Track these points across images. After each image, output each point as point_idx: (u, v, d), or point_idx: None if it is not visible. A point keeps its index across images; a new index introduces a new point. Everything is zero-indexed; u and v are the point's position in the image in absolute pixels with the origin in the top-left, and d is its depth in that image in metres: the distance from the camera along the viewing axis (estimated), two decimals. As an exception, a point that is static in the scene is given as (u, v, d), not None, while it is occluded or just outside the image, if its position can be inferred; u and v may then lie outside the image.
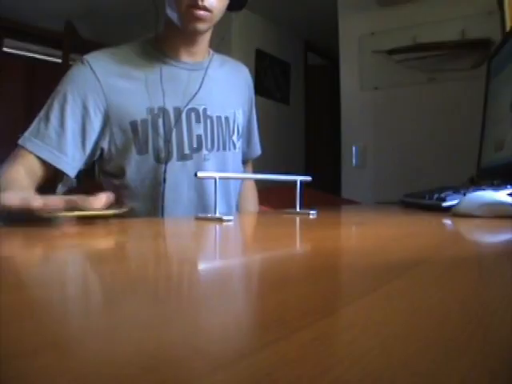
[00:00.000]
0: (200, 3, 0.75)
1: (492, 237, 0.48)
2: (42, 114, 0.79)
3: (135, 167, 0.83)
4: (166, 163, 0.83)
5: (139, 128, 0.81)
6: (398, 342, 0.13)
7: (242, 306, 0.18)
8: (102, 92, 0.80)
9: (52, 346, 0.12)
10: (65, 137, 0.78)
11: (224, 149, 0.91)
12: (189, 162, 0.85)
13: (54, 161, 0.77)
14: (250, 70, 1.08)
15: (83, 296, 0.20)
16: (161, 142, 0.83)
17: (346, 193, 2.23)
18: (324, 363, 0.11)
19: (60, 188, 0.85)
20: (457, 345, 0.13)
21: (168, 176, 0.83)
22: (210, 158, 0.88)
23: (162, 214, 0.84)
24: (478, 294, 0.20)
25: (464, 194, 0.72)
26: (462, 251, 0.35)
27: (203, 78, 0.88)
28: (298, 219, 0.66)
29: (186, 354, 0.12)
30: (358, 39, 2.21)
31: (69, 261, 0.31)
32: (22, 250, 0.36)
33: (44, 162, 0.77)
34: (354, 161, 2.24)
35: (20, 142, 0.77)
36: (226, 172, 0.90)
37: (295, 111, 3.57)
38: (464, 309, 0.17)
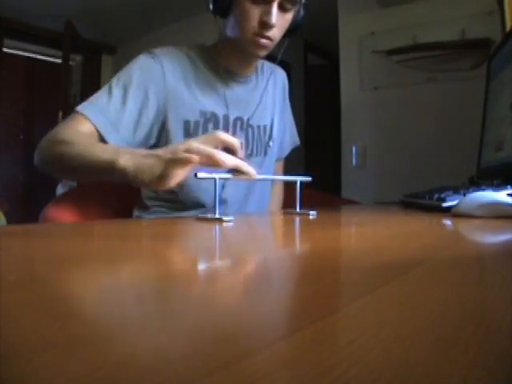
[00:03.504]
0: (265, 33, 0.81)
1: (492, 237, 0.48)
2: (104, 89, 0.82)
3: None
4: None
5: (191, 128, 0.87)
6: (398, 342, 0.13)
7: (240, 306, 0.18)
8: (165, 87, 0.84)
9: (52, 346, 0.12)
10: (121, 116, 0.80)
11: (259, 155, 0.99)
12: None
13: (105, 133, 0.78)
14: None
15: (83, 296, 0.20)
16: None
17: (346, 193, 2.23)
18: (324, 363, 0.11)
19: (60, 188, 0.85)
20: (457, 345, 0.13)
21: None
22: (249, 163, 0.94)
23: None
24: (478, 294, 0.20)
25: (464, 194, 0.72)
26: (462, 251, 0.35)
27: (250, 92, 0.97)
28: (297, 219, 0.66)
29: (186, 354, 0.12)
30: (358, 39, 2.21)
31: (67, 259, 0.31)
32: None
33: (99, 133, 0.78)
34: (353, 161, 2.24)
35: (78, 108, 0.78)
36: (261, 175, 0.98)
37: (295, 111, 3.57)
38: (464, 309, 0.17)
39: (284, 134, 1.13)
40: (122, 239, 0.45)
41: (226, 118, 0.91)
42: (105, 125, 0.78)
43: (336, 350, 0.13)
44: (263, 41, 0.82)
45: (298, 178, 0.75)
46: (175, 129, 0.86)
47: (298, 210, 0.73)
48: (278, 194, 1.18)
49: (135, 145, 0.84)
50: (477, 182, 1.24)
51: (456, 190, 0.79)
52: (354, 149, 2.24)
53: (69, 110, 3.53)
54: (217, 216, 0.59)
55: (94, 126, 0.77)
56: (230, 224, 0.55)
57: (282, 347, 0.13)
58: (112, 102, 0.80)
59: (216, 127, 0.90)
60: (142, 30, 3.46)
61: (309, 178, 0.77)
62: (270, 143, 1.02)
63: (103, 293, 0.21)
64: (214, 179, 0.60)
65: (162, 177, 0.59)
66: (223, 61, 0.92)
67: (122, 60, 4.25)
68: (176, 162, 0.58)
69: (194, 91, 0.88)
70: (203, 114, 0.88)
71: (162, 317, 0.16)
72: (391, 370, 0.11)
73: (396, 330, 0.14)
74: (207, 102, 0.89)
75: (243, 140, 0.95)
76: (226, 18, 0.85)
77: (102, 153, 0.66)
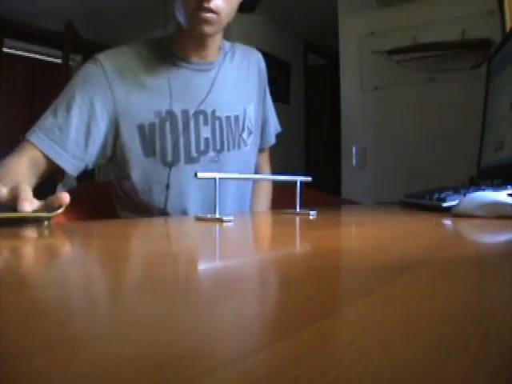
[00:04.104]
0: (206, 5, 0.73)
1: (492, 237, 0.48)
2: (50, 109, 0.80)
3: (142, 170, 0.83)
4: (172, 166, 0.83)
5: (146, 132, 0.81)
6: (398, 342, 0.13)
7: (241, 307, 0.18)
8: (111, 94, 0.80)
9: (52, 346, 0.12)
10: (68, 133, 0.78)
11: (233, 148, 0.91)
12: (196, 165, 0.85)
13: (53, 156, 0.77)
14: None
15: (84, 296, 0.20)
16: (168, 146, 0.82)
17: (345, 193, 2.23)
18: (324, 363, 0.11)
19: (60, 188, 0.85)
20: (457, 345, 0.13)
21: (175, 179, 0.84)
22: (219, 159, 0.88)
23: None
24: (478, 294, 0.20)
25: (464, 195, 0.72)
26: (462, 251, 0.35)
27: (213, 80, 0.88)
28: (297, 219, 0.66)
29: (187, 354, 0.12)
30: (358, 39, 2.22)
31: (70, 261, 0.31)
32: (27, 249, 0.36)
33: (47, 156, 0.77)
34: (354, 161, 2.24)
35: (26, 134, 0.77)
36: (236, 171, 0.89)
37: (295, 111, 3.57)
38: (464, 309, 0.17)
39: (267, 121, 1.04)
40: (122, 239, 0.45)
41: (185, 113, 0.84)
42: (52, 148, 0.77)
43: (336, 350, 0.13)
44: (205, 14, 0.74)
45: (298, 178, 0.75)
46: (130, 136, 0.81)
47: (297, 210, 0.73)
48: (266, 193, 1.10)
49: (92, 159, 0.82)
50: (477, 182, 1.24)
51: (456, 190, 0.79)
52: (354, 149, 2.24)
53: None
54: (217, 216, 0.58)
55: (41, 152, 0.76)
56: (230, 224, 0.55)
57: (282, 347, 0.12)
58: (57, 122, 0.78)
59: (174, 126, 0.83)
60: (142, 30, 3.46)
61: (309, 178, 0.76)
62: (244, 135, 0.93)
63: (103, 293, 0.21)
64: (215, 179, 0.60)
65: None
66: (179, 51, 0.85)
67: (122, 60, 4.28)
68: None
69: (146, 91, 0.82)
70: (158, 114, 0.82)
71: (163, 317, 0.16)
72: (392, 370, 0.11)
73: (396, 330, 0.14)
74: (162, 100, 0.82)
75: (209, 135, 0.87)
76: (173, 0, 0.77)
77: None
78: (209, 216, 0.60)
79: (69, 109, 0.78)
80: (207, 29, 0.77)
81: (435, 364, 0.11)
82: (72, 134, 0.78)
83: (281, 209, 0.83)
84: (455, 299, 0.19)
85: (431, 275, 0.24)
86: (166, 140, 0.82)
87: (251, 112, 0.96)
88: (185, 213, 0.86)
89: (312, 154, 3.73)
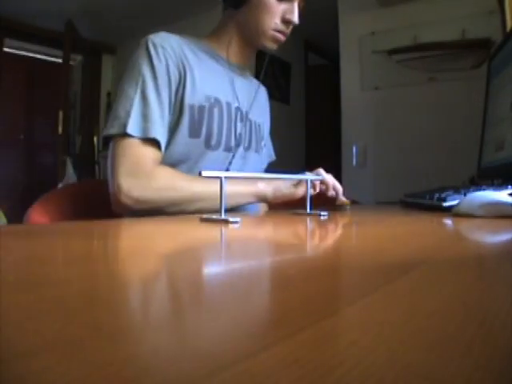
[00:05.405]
0: (286, 30, 0.87)
1: (493, 237, 0.48)
2: (150, 101, 0.78)
3: (184, 149, 0.83)
4: (213, 151, 0.85)
5: (196, 113, 0.82)
6: (400, 343, 0.13)
7: (243, 307, 0.18)
8: (177, 70, 0.81)
9: (53, 346, 0.12)
10: (155, 118, 0.79)
11: (255, 151, 0.98)
12: (230, 155, 0.90)
13: (163, 144, 0.79)
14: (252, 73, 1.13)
15: (84, 296, 0.20)
16: (214, 130, 0.85)
17: (346, 193, 2.23)
18: (326, 364, 0.11)
19: (61, 186, 0.84)
20: (460, 345, 0.13)
21: (211, 163, 0.86)
22: (246, 156, 0.94)
23: None
24: (480, 294, 0.20)
25: (464, 194, 0.72)
26: (463, 251, 0.35)
27: (248, 85, 0.98)
28: (298, 219, 0.65)
29: (187, 355, 0.12)
30: (358, 39, 2.22)
31: (67, 259, 0.31)
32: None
33: (156, 145, 0.78)
34: (354, 161, 2.25)
35: (149, 134, 0.76)
36: (256, 173, 0.95)
37: (295, 111, 3.57)
38: (466, 308, 0.17)
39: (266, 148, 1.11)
40: (122, 239, 0.45)
41: (229, 105, 0.89)
42: (162, 137, 0.78)
43: (338, 351, 0.13)
44: (281, 36, 0.87)
45: (309, 177, 0.73)
46: (179, 111, 0.82)
47: (308, 210, 0.71)
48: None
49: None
50: (477, 182, 1.24)
51: (456, 190, 0.79)
52: (354, 148, 2.24)
53: (69, 109, 3.53)
54: (222, 217, 0.57)
55: (159, 143, 0.78)
56: (236, 225, 0.54)
57: (284, 348, 0.12)
58: (155, 110, 0.78)
59: (221, 113, 0.87)
60: (142, 29, 3.46)
61: (319, 177, 0.74)
62: (262, 143, 1.01)
63: (103, 293, 0.21)
64: (220, 178, 0.59)
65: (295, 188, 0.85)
66: (223, 51, 0.91)
67: (122, 60, 4.28)
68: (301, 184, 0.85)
69: (196, 75, 0.84)
70: (208, 98, 0.84)
71: (164, 317, 0.16)
72: (394, 371, 0.11)
73: (398, 330, 0.14)
74: (211, 86, 0.86)
75: (242, 132, 0.92)
76: (238, 9, 0.85)
77: (239, 188, 0.81)
78: (214, 217, 0.59)
79: (157, 94, 0.79)
80: (275, 47, 0.90)
81: (438, 365, 0.11)
82: (159, 118, 0.79)
83: (288, 208, 0.82)
84: (457, 299, 0.19)
85: (433, 275, 0.24)
86: (213, 124, 0.85)
87: (266, 129, 1.05)
88: None
89: (312, 154, 3.73)
